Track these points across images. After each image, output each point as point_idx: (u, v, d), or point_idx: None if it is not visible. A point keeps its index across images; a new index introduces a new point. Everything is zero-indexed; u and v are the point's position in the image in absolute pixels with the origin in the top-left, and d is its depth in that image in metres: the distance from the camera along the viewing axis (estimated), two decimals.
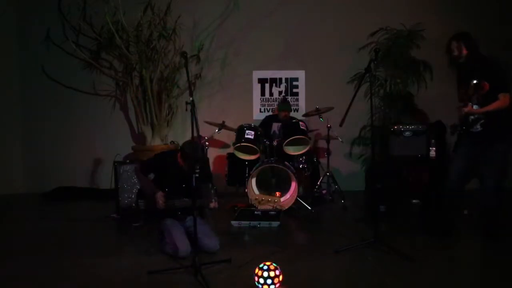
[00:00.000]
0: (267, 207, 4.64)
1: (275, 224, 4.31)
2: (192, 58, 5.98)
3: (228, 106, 6.25)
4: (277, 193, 4.90)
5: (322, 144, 6.09)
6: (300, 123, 5.05)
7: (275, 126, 5.51)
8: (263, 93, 6.41)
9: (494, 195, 3.64)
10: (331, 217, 4.91)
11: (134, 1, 5.66)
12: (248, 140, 4.88)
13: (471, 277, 3.16)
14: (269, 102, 6.40)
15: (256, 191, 4.97)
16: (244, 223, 4.35)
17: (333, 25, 6.19)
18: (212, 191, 3.69)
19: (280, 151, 5.04)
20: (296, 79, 6.38)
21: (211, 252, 3.43)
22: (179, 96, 6.16)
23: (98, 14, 5.83)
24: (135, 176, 4.22)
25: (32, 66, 6.31)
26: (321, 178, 5.45)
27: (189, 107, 3.05)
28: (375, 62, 3.95)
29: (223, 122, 5.25)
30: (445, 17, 5.88)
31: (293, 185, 4.92)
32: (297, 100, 6.38)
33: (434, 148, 5.01)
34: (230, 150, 5.50)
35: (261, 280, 2.72)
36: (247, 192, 4.90)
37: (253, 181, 4.99)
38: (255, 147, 4.90)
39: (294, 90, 6.40)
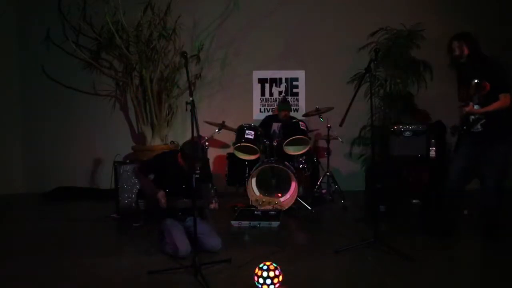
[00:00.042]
0: (267, 207, 4.64)
1: (275, 224, 4.31)
2: (192, 58, 5.98)
3: (228, 106, 6.25)
4: (278, 194, 4.90)
5: (322, 144, 6.09)
6: (300, 123, 5.05)
7: (275, 126, 5.51)
8: (263, 93, 6.41)
9: (494, 195, 3.63)
10: (331, 217, 4.91)
11: (134, 1, 5.66)
12: (248, 140, 4.88)
13: (471, 277, 3.17)
14: (269, 102, 6.40)
15: (256, 191, 4.97)
16: (244, 223, 4.35)
17: (333, 25, 6.19)
18: (212, 191, 3.69)
19: (280, 151, 5.04)
20: (296, 79, 6.38)
21: (214, 251, 3.44)
22: (179, 96, 6.16)
23: (98, 14, 5.83)
24: (135, 177, 4.22)
25: (32, 66, 6.31)
26: (321, 178, 5.45)
27: (189, 107, 3.05)
28: (375, 62, 3.95)
29: (223, 122, 5.25)
30: (445, 17, 5.88)
31: (293, 185, 4.92)
32: (297, 100, 6.38)
33: (434, 148, 5.01)
34: (230, 150, 5.50)
35: (261, 280, 2.72)
36: (247, 192, 4.90)
37: (253, 181, 4.99)
38: (255, 147, 4.90)
39: (294, 90, 6.40)
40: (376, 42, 6.00)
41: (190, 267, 3.01)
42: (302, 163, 5.11)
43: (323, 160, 5.56)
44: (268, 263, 2.77)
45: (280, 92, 6.38)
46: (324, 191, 5.51)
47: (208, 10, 6.21)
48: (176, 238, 3.36)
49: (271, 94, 6.41)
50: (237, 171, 5.11)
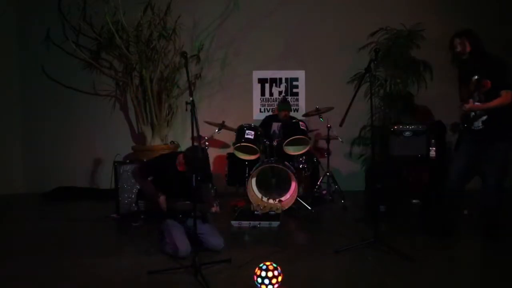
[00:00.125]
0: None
1: (275, 224, 4.32)
2: (192, 58, 5.98)
3: (228, 106, 6.25)
4: (279, 198, 4.88)
5: (322, 144, 6.09)
6: (300, 123, 5.05)
7: (275, 126, 5.51)
8: (263, 93, 6.41)
9: (495, 194, 3.63)
10: (331, 217, 4.91)
11: (134, 1, 5.66)
12: (248, 140, 4.88)
13: (471, 277, 3.16)
14: (269, 102, 6.40)
15: (256, 191, 4.97)
16: (244, 223, 4.35)
17: (333, 25, 6.20)
18: (213, 191, 3.68)
19: (280, 151, 5.04)
20: (296, 79, 6.38)
21: (216, 250, 3.45)
22: (179, 96, 6.16)
23: (98, 14, 5.83)
24: (134, 180, 4.20)
25: (32, 66, 6.31)
26: (321, 178, 5.45)
27: (189, 107, 3.05)
28: (375, 62, 3.95)
29: (223, 122, 5.25)
30: (445, 17, 5.88)
31: (293, 185, 4.92)
32: (297, 100, 6.38)
33: (434, 148, 5.01)
34: (230, 150, 5.50)
35: (259, 280, 2.72)
36: (247, 192, 4.89)
37: (253, 181, 4.98)
38: (255, 147, 4.90)
39: (294, 90, 6.40)
40: (376, 42, 6.00)
41: (190, 267, 3.01)
42: (302, 163, 5.11)
43: (323, 160, 5.56)
44: (268, 263, 2.77)
45: (280, 92, 6.39)
46: (324, 191, 5.50)
47: (208, 10, 6.21)
48: (176, 238, 3.36)
49: (271, 94, 6.41)
50: (237, 171, 5.12)
